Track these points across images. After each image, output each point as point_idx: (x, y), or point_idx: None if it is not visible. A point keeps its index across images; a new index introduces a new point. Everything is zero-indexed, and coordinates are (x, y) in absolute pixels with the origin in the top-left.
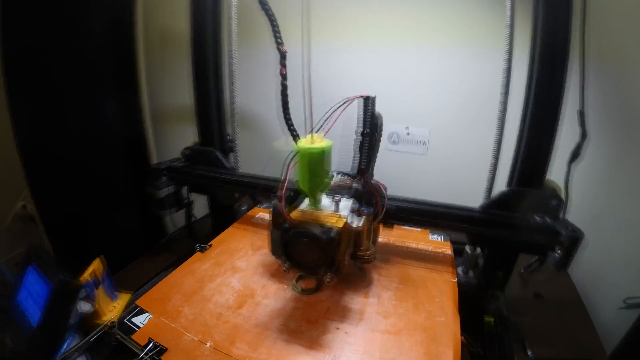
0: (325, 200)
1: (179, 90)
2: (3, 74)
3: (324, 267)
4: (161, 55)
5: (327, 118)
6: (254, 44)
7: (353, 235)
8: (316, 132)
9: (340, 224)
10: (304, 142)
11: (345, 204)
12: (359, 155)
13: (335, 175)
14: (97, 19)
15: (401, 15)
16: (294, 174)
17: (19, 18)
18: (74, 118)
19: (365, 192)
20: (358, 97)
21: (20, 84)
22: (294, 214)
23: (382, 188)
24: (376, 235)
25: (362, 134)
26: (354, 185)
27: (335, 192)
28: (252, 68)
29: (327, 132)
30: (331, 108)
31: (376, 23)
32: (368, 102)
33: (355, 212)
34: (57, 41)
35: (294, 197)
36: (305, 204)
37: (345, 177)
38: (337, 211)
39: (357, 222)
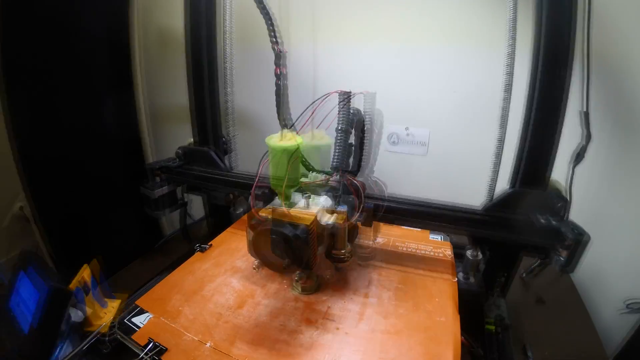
0: (297, 198)
1: (177, 90)
2: (1, 74)
3: (293, 264)
4: (158, 55)
5: (302, 115)
6: (254, 44)
7: (326, 233)
8: (288, 129)
9: (309, 221)
10: (275, 139)
11: (317, 201)
12: (344, 152)
13: (311, 173)
14: (94, 20)
15: (401, 15)
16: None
17: (17, 20)
18: (71, 119)
19: (343, 190)
20: (334, 93)
21: (18, 84)
22: (265, 212)
23: (361, 187)
24: (354, 234)
25: (336, 130)
26: (330, 182)
27: (309, 189)
28: (251, 68)
29: (301, 128)
30: (311, 105)
31: (376, 23)
32: (343, 97)
33: (328, 209)
34: (54, 42)
35: (270, 195)
36: (277, 201)
37: (322, 175)
38: (308, 208)
39: (326, 219)
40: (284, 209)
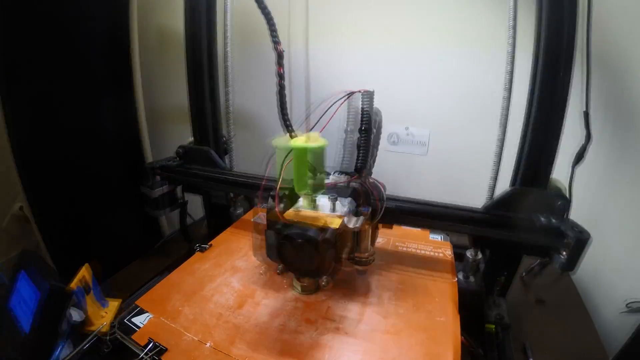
0: (322, 200)
1: (176, 90)
2: (1, 74)
3: (319, 269)
4: (158, 55)
5: (316, 114)
6: (253, 43)
7: (350, 236)
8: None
9: (336, 224)
10: (298, 141)
11: (342, 203)
12: (353, 154)
13: (332, 174)
14: (94, 20)
15: (401, 15)
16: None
17: (17, 20)
18: (69, 119)
19: (364, 192)
20: (344, 92)
21: (16, 84)
22: (288, 214)
23: (381, 187)
24: (374, 236)
25: (360, 131)
26: (352, 184)
27: (333, 191)
28: (251, 68)
29: (312, 128)
30: (319, 104)
31: (376, 23)
32: (365, 97)
33: (353, 211)
34: (54, 42)
35: (290, 197)
36: (300, 204)
37: (343, 176)
38: (334, 211)
39: (354, 222)
40: (310, 211)
